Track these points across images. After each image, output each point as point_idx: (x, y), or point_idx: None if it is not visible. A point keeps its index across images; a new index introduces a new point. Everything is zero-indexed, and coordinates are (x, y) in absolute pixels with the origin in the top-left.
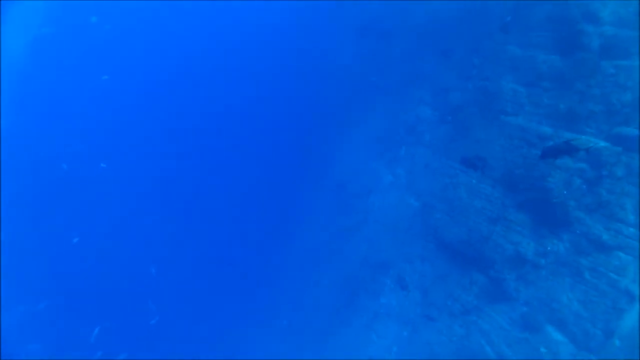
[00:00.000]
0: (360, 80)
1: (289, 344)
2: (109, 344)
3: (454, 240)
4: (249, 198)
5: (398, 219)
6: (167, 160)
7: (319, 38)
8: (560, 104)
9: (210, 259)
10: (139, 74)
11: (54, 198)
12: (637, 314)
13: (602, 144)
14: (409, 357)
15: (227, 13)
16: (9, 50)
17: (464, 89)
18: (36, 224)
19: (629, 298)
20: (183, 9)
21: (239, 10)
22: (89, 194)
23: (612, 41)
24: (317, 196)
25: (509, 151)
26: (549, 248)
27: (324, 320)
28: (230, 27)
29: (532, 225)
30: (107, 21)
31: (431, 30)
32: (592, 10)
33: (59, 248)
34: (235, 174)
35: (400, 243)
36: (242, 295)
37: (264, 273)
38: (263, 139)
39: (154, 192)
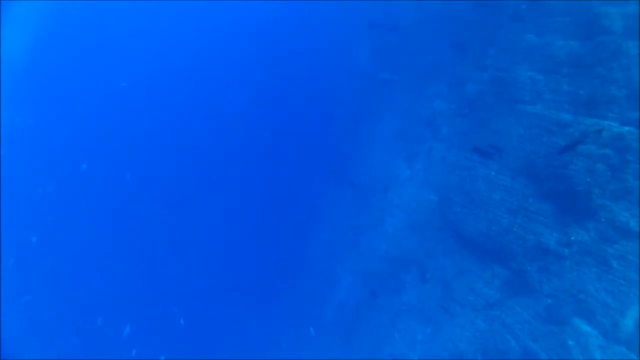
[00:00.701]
0: (373, 76)
1: (311, 345)
2: (140, 343)
3: (474, 233)
4: (267, 198)
5: (417, 214)
6: (178, 160)
7: (329, 34)
8: (580, 90)
9: (228, 261)
10: (142, 72)
11: (61, 199)
12: None
13: (617, 128)
14: (433, 354)
15: (237, 12)
16: (9, 50)
17: (480, 81)
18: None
19: None
20: (185, 5)
21: (248, 9)
22: (101, 194)
23: (636, 21)
24: (335, 194)
25: (528, 141)
26: (572, 238)
27: (345, 321)
28: (242, 26)
29: (555, 215)
30: (107, 21)
31: (444, 23)
32: None
33: (68, 246)
34: (252, 174)
35: (420, 238)
36: (261, 298)
37: (283, 273)
38: (279, 138)
39: (167, 192)
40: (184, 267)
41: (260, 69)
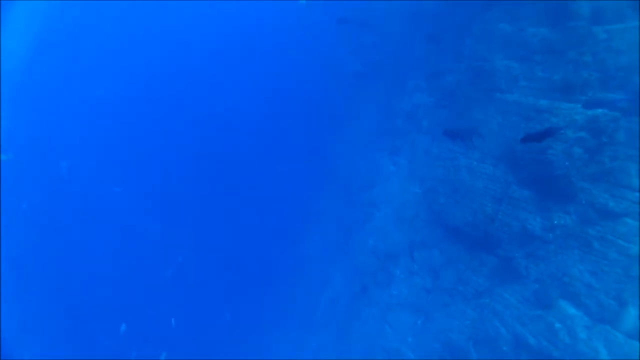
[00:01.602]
0: (347, 71)
1: (304, 344)
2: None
3: (460, 223)
4: (253, 200)
5: (403, 208)
6: (172, 160)
7: (299, 32)
8: (554, 76)
9: (216, 261)
10: (142, 74)
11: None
12: None
13: (591, 111)
14: (425, 346)
15: (210, 16)
16: (9, 50)
17: (458, 71)
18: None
19: None
20: (186, 8)
21: (220, 12)
22: (99, 196)
23: (603, 5)
24: (321, 194)
25: (508, 128)
26: (555, 222)
27: (337, 318)
28: (216, 30)
29: (537, 201)
30: (108, 21)
31: (415, 16)
32: None
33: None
34: (238, 176)
35: (407, 231)
36: (252, 298)
37: (273, 274)
38: (258, 140)
39: (159, 193)
40: (176, 267)
41: (233, 71)
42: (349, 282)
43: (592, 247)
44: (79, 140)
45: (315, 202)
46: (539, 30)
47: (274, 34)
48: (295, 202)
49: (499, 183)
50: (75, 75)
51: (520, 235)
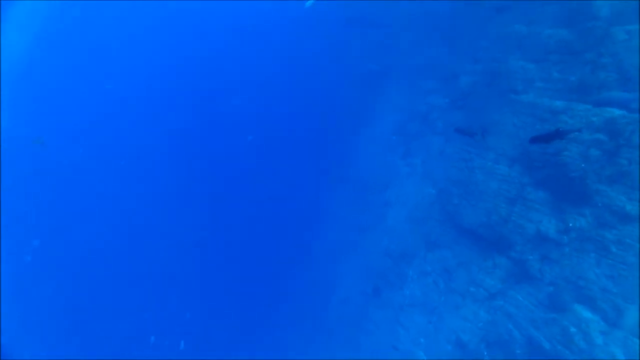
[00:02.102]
0: (363, 73)
1: (316, 345)
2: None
3: (474, 224)
4: (267, 200)
5: (417, 209)
6: (182, 160)
7: (312, 32)
8: (570, 77)
9: (231, 260)
10: (143, 74)
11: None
12: None
13: (609, 113)
14: (437, 347)
15: (222, 14)
16: (9, 50)
17: (473, 72)
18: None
19: None
20: (183, 7)
21: (226, 11)
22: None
23: (623, 6)
24: (335, 194)
25: (522, 129)
26: (570, 224)
27: (350, 319)
28: (219, 29)
29: (552, 203)
30: (109, 21)
31: (431, 17)
32: None
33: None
34: (252, 176)
35: (421, 232)
36: (264, 298)
37: (286, 274)
38: (275, 140)
39: (165, 192)
40: (189, 266)
41: (249, 72)
42: (361, 283)
43: (609, 250)
44: (78, 140)
45: (329, 202)
46: (556, 32)
47: (285, 34)
48: (308, 201)
49: (513, 184)
50: (74, 76)
51: (534, 237)
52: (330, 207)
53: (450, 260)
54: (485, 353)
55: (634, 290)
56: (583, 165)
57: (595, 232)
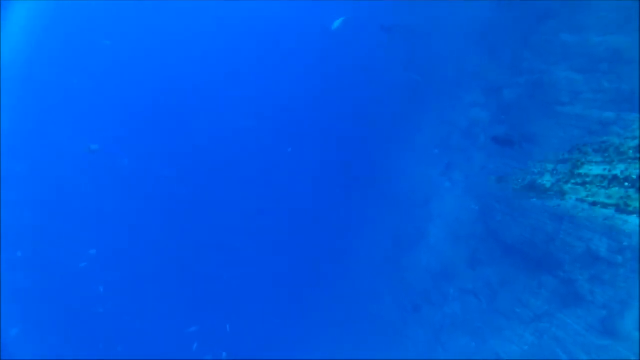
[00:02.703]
0: (406, 85)
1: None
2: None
3: (518, 241)
4: (307, 212)
5: (459, 225)
6: (229, 171)
7: (356, 45)
8: (622, 86)
9: (269, 273)
10: (145, 74)
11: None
12: None
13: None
14: None
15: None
16: (9, 50)
17: (516, 85)
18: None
19: None
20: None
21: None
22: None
23: None
24: (375, 208)
25: (569, 142)
26: (625, 243)
27: (388, 335)
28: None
29: (603, 219)
30: (109, 21)
31: (472, 27)
32: None
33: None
34: (294, 189)
35: (463, 249)
36: (302, 311)
37: (324, 289)
38: (315, 152)
39: (212, 204)
40: (227, 275)
41: (288, 85)
42: (400, 300)
43: None
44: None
45: (368, 216)
46: (606, 39)
47: (324, 45)
48: (347, 213)
49: None
50: (75, 76)
51: (583, 256)
52: (370, 220)
53: (494, 279)
54: None
55: None
56: None
57: None
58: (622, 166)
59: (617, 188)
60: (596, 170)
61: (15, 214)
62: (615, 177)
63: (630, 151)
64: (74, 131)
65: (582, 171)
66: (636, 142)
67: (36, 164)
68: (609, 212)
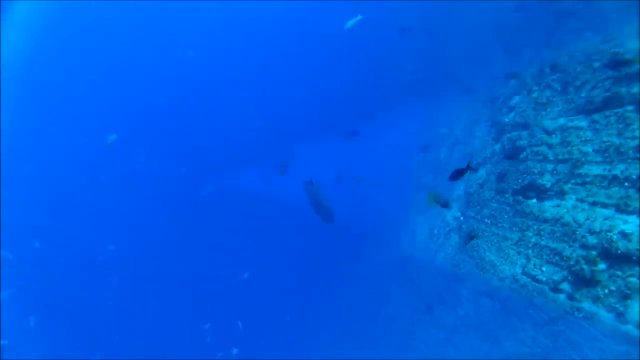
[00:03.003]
0: (421, 82)
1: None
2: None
3: None
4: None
5: None
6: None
7: (370, 45)
8: None
9: (284, 275)
10: (142, 73)
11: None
12: None
13: None
14: None
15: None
16: (9, 50)
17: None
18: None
19: None
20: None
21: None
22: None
23: None
24: (387, 212)
25: None
26: None
27: (399, 337)
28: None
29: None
30: (108, 22)
31: (490, 27)
32: None
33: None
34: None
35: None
36: (311, 311)
37: (334, 288)
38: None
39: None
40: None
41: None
42: (410, 301)
43: None
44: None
45: (381, 218)
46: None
47: (338, 45)
48: (358, 214)
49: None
50: (75, 76)
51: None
52: (382, 221)
53: None
54: None
55: None
56: None
57: None
58: (622, 166)
59: (617, 188)
60: (596, 170)
61: (33, 209)
62: (615, 177)
63: (630, 151)
64: (86, 128)
65: (582, 171)
66: (636, 142)
67: (49, 164)
68: (609, 212)
